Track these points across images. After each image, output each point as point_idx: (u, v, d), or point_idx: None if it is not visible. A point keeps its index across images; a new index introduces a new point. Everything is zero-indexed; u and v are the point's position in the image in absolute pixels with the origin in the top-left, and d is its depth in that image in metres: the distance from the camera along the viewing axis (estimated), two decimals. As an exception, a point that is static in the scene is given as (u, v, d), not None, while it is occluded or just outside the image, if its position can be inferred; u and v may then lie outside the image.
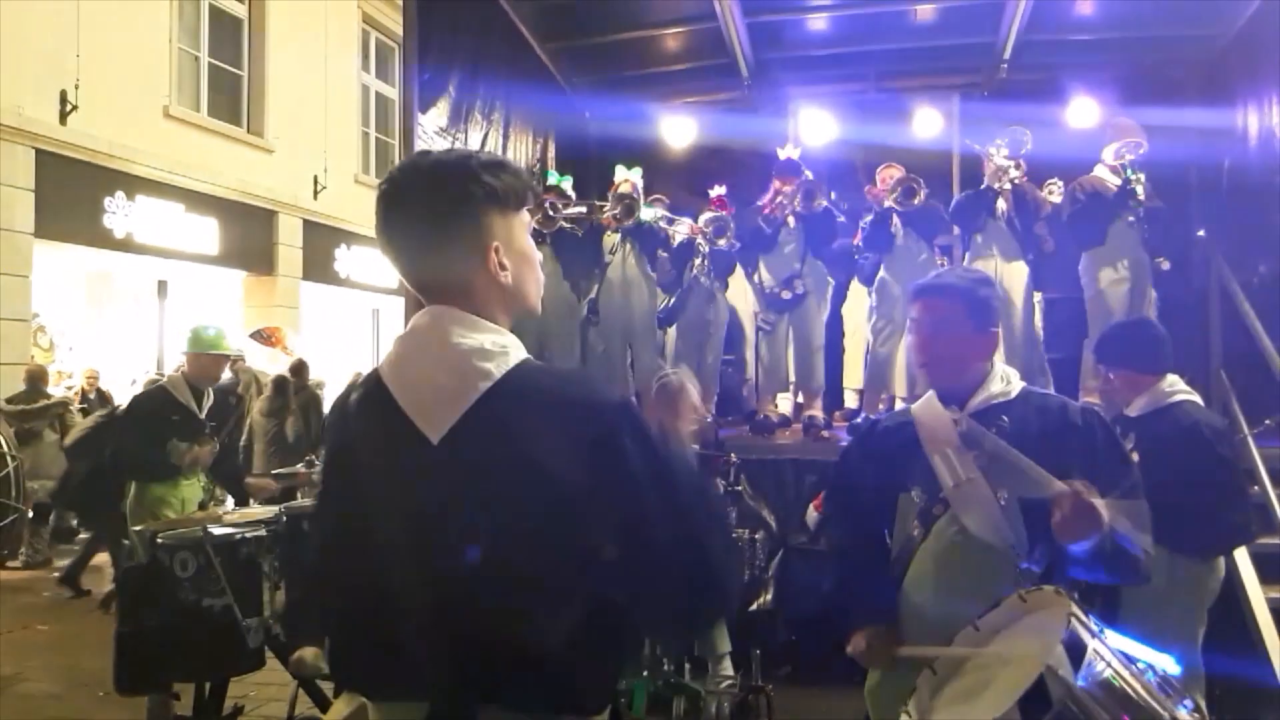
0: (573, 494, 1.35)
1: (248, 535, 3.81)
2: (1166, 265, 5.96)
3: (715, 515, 1.54)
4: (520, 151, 8.40)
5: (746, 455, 5.45)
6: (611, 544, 1.36)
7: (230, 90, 13.45)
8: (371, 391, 1.47)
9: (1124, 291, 5.97)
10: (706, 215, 6.99)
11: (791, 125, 8.35)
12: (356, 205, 15.09)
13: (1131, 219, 5.98)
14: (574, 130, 9.24)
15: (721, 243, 6.86)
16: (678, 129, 8.80)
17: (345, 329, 16.94)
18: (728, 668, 4.50)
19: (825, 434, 6.48)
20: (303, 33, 14.37)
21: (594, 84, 9.31)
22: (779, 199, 6.79)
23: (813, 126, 8.25)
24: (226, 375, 6.72)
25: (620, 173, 7.22)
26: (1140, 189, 5.93)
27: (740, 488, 4.98)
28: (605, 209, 7.17)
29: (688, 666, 4.27)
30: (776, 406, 6.97)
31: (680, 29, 8.73)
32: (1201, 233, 6.04)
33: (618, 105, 8.90)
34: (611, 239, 7.14)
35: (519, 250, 1.50)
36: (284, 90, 13.99)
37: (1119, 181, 6.02)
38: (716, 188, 7.31)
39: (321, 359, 12.82)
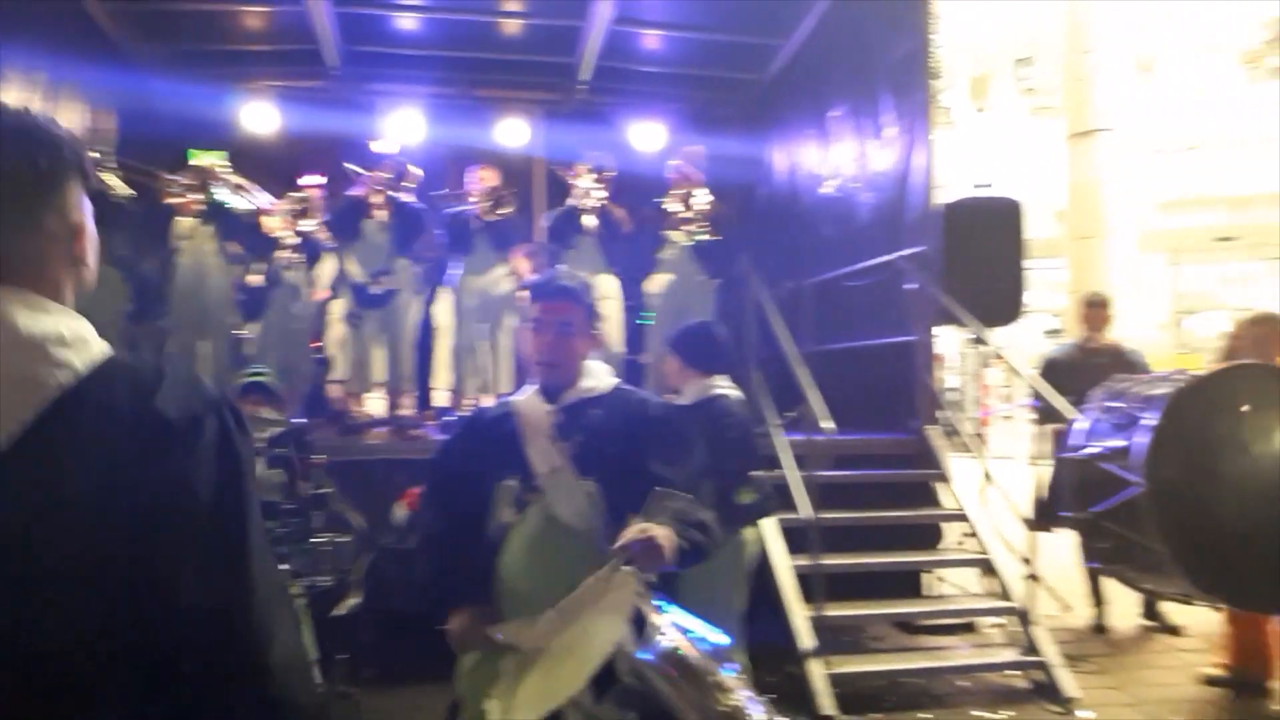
0: (164, 534, 1.13)
1: None
2: (714, 283, 6.84)
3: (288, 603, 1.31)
4: (72, 123, 7.43)
5: (335, 456, 5.35)
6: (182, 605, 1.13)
7: None
8: None
9: (677, 304, 6.74)
10: (292, 195, 6.76)
11: (381, 122, 8.26)
12: None
13: (689, 241, 6.81)
14: (140, 105, 8.33)
15: (310, 224, 6.68)
16: (259, 114, 8.33)
17: None
18: (314, 676, 4.42)
19: (415, 432, 6.55)
20: None
21: (164, 55, 8.49)
22: (371, 189, 6.72)
23: (402, 125, 8.19)
24: None
25: (196, 159, 6.76)
26: (690, 216, 6.77)
27: (328, 491, 4.87)
28: (174, 186, 6.63)
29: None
30: (364, 406, 6.90)
31: (261, 7, 8.25)
32: (742, 257, 6.97)
33: (193, 81, 8.20)
34: (185, 223, 6.62)
35: (91, 230, 1.29)
36: None
37: (683, 209, 6.82)
38: (311, 177, 7.07)
39: None
